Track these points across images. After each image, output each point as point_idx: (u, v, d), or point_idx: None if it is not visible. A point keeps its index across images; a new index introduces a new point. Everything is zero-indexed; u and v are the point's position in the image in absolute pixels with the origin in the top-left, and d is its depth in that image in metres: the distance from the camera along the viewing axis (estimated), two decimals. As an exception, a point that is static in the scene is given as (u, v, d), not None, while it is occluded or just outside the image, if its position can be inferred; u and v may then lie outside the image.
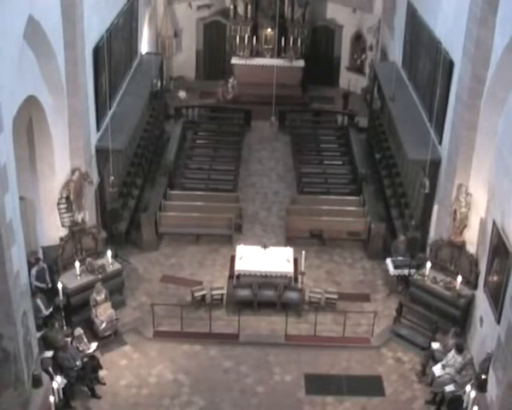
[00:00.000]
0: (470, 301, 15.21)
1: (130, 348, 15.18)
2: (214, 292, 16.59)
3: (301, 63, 27.90)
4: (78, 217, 15.83)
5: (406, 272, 16.63)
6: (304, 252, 16.47)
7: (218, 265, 18.07)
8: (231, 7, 27.96)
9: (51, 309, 14.98)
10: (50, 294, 15.25)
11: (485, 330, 14.01)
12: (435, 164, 16.53)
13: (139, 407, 13.73)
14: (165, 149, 22.88)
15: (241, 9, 27.87)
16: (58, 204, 15.52)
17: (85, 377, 13.84)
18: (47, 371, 13.21)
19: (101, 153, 16.91)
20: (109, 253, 16.30)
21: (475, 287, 15.07)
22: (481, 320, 14.26)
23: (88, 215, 16.29)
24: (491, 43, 13.81)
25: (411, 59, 21.27)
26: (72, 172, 15.56)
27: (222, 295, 16.63)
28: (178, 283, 17.34)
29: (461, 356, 13.81)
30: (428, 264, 16.00)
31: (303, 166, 22.57)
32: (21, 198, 13.39)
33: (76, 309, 15.43)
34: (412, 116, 19.24)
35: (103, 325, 15.05)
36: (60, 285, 14.94)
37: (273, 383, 14.45)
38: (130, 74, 21.65)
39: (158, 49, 27.16)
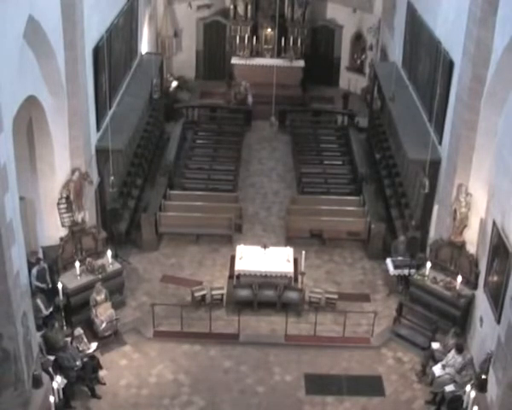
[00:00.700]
0: (470, 301, 15.21)
1: (130, 348, 15.18)
2: (214, 292, 16.59)
3: (301, 63, 27.88)
4: (78, 217, 15.83)
5: (406, 272, 16.63)
6: (304, 252, 16.46)
7: (218, 265, 18.07)
8: (231, 7, 27.95)
9: (51, 309, 14.98)
10: (50, 294, 15.25)
11: (485, 330, 14.01)
12: (435, 164, 16.53)
13: (139, 407, 13.74)
14: (165, 149, 22.89)
15: (241, 9, 27.86)
16: (58, 204, 15.52)
17: (85, 377, 13.84)
18: (47, 371, 13.20)
19: (101, 153, 16.90)
20: (109, 253, 16.30)
21: (475, 287, 15.07)
22: (481, 320, 14.26)
23: (88, 215, 16.30)
24: (491, 44, 13.81)
25: (411, 59, 21.27)
26: (72, 172, 15.56)
27: (222, 295, 16.63)
28: (178, 283, 17.34)
29: (461, 356, 13.81)
30: (428, 264, 16.01)
31: (303, 166, 22.57)
32: (21, 198, 13.39)
33: (76, 309, 15.44)
34: (412, 116, 19.24)
35: (103, 325, 15.05)
36: (60, 285, 14.94)
37: (273, 383, 14.46)
38: (130, 74, 21.65)
39: (158, 49, 27.14)
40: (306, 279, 16.96)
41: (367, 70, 28.11)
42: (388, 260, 17.21)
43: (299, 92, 27.66)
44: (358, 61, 28.88)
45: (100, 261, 16.18)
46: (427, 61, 18.88)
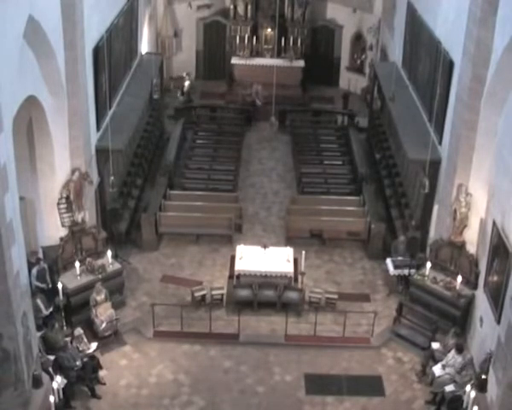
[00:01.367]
0: (470, 301, 15.21)
1: (130, 348, 15.18)
2: (214, 292, 16.59)
3: (301, 63, 27.89)
4: (78, 217, 15.83)
5: (406, 272, 16.63)
6: (304, 252, 16.46)
7: (218, 265, 18.07)
8: (231, 7, 27.96)
9: (51, 309, 14.98)
10: (50, 294, 15.25)
11: (485, 331, 14.01)
12: (435, 164, 16.53)
13: (139, 407, 13.73)
14: (165, 149, 22.88)
15: (241, 9, 27.86)
16: (58, 204, 15.52)
17: (85, 377, 13.83)
18: (47, 371, 13.21)
19: (101, 153, 16.90)
20: (109, 253, 16.30)
21: (475, 287, 15.07)
22: (481, 320, 14.26)
23: (88, 215, 16.30)
24: (491, 44, 13.81)
25: (411, 59, 21.28)
26: (72, 172, 15.56)
27: (222, 295, 16.63)
28: (178, 283, 17.34)
29: (461, 356, 13.81)
30: (428, 264, 16.00)
31: (303, 166, 22.57)
32: (21, 198, 13.39)
33: (76, 309, 15.44)
34: (412, 116, 19.24)
35: (103, 325, 15.05)
36: (60, 285, 14.95)
37: (273, 383, 14.45)
38: (130, 74, 21.65)
39: (158, 49, 27.16)
40: (306, 279, 16.96)
41: (367, 70, 28.11)
42: (388, 260, 17.21)
43: (299, 92, 27.67)
44: (358, 61, 28.87)
45: (100, 261, 16.17)
46: (427, 61, 18.88)
